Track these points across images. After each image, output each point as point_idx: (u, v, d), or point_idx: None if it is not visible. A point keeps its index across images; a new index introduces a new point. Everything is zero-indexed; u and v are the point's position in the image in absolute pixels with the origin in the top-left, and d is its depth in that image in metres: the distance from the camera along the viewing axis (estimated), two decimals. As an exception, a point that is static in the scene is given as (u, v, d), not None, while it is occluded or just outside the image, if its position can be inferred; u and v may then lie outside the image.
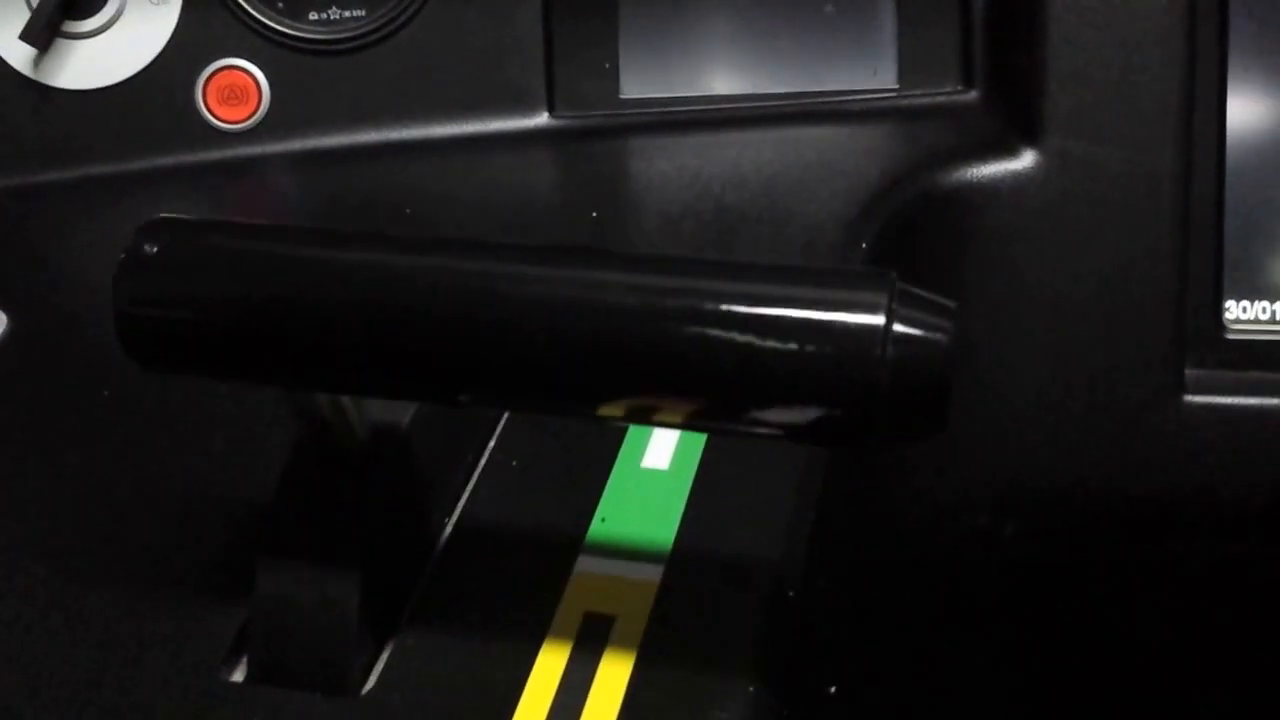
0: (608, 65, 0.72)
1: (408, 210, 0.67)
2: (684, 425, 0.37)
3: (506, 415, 0.52)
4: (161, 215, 0.40)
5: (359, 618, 0.43)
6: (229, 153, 0.72)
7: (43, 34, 0.70)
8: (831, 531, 0.50)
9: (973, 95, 0.70)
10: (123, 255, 0.39)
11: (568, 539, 0.47)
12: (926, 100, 0.71)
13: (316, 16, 0.72)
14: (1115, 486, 0.61)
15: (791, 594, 0.45)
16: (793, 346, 0.35)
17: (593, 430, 0.51)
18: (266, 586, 0.43)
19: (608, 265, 0.37)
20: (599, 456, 0.50)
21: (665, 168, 0.68)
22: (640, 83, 0.72)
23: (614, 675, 0.42)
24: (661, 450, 0.50)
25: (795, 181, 0.66)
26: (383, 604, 0.44)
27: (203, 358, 0.40)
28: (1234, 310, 0.61)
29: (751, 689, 0.41)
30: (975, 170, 0.63)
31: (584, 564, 0.46)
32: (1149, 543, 0.63)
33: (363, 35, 0.72)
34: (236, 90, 0.71)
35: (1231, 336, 0.61)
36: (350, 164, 0.71)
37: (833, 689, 0.47)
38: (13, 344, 0.59)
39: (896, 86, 0.71)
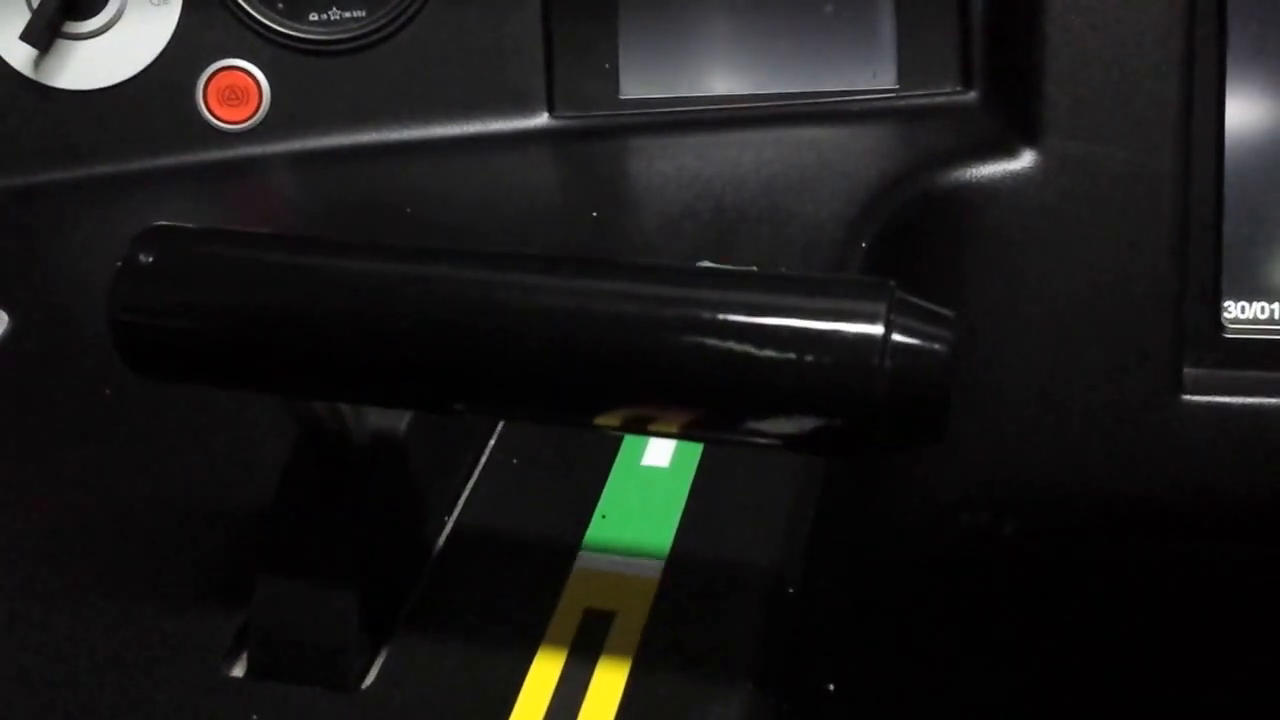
0: (607, 66, 0.72)
1: (408, 210, 0.67)
2: (680, 435, 0.37)
3: (506, 416, 0.52)
4: (157, 224, 0.40)
5: (359, 614, 0.43)
6: (229, 153, 0.72)
7: (43, 34, 0.70)
8: (831, 529, 0.50)
9: (972, 96, 0.70)
10: (118, 264, 0.39)
11: (568, 536, 0.47)
12: (926, 101, 0.71)
13: (317, 17, 0.72)
14: (1114, 486, 0.61)
15: (791, 591, 0.45)
16: (790, 356, 0.35)
17: (593, 428, 0.51)
18: (267, 583, 0.43)
19: (604, 274, 0.37)
20: (599, 454, 0.50)
21: (665, 168, 0.68)
22: (640, 83, 0.72)
23: (613, 671, 0.42)
24: (662, 448, 0.50)
25: (795, 182, 0.66)
26: (382, 601, 0.44)
27: (198, 366, 0.40)
28: (1233, 310, 0.61)
29: (751, 686, 0.41)
30: (975, 171, 0.63)
31: (584, 561, 0.46)
32: (1148, 542, 0.64)
33: (363, 36, 0.72)
34: (237, 91, 0.72)
35: (1230, 336, 0.61)
36: (350, 164, 0.71)
37: (832, 686, 0.47)
38: (14, 344, 0.59)
39: (896, 87, 0.71)
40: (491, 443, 0.51)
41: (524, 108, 0.72)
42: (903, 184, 0.65)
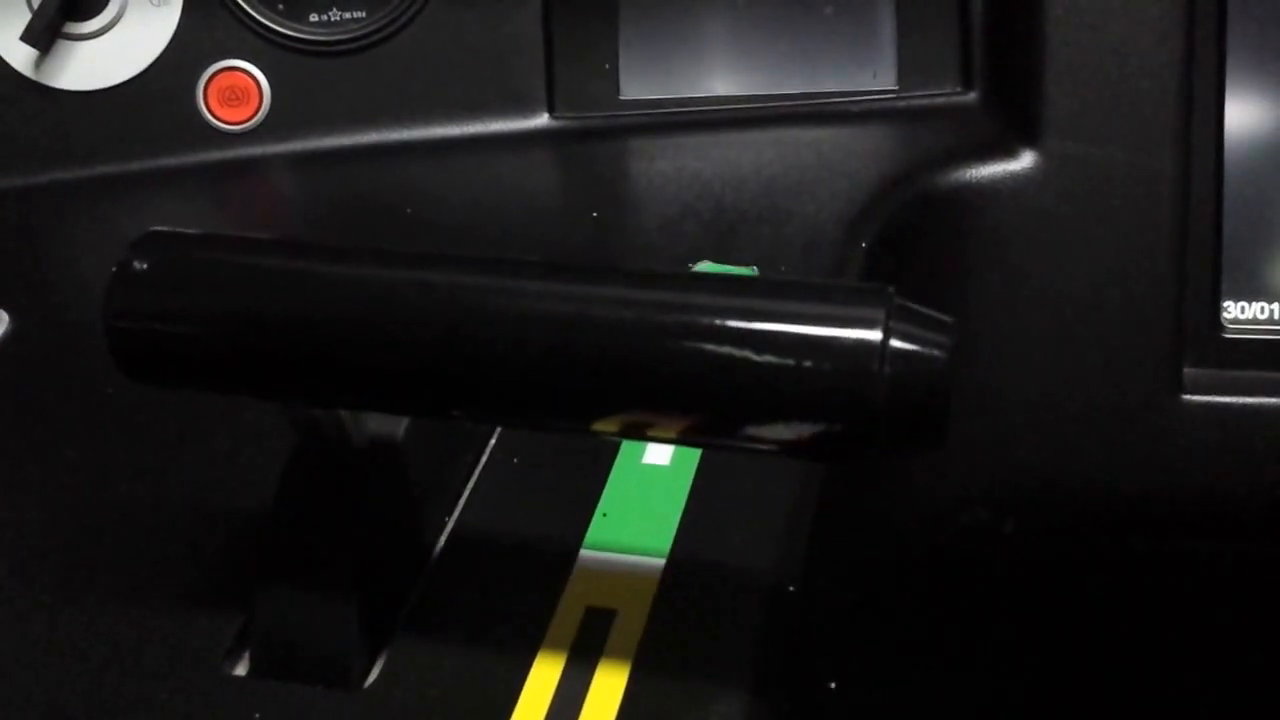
0: (608, 66, 0.72)
1: (408, 211, 0.67)
2: (679, 441, 0.37)
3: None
4: (152, 229, 0.40)
5: (360, 613, 0.43)
6: (230, 153, 0.72)
7: (44, 35, 0.70)
8: (832, 528, 0.50)
9: (972, 97, 0.70)
10: (114, 270, 0.39)
11: (569, 534, 0.47)
12: (926, 102, 0.71)
13: (317, 18, 0.72)
14: (1114, 485, 0.61)
15: (791, 589, 0.45)
16: (789, 363, 0.35)
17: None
18: (269, 583, 0.43)
19: (602, 281, 0.37)
20: (600, 452, 0.50)
21: (665, 168, 0.68)
22: (640, 84, 0.72)
23: (614, 669, 0.42)
24: (663, 447, 0.50)
25: (795, 182, 0.66)
26: (383, 600, 0.44)
27: (195, 373, 0.40)
28: (1232, 310, 0.61)
29: (751, 685, 0.41)
30: (974, 171, 0.63)
31: (585, 559, 0.46)
32: (1148, 542, 0.64)
33: (363, 36, 0.72)
34: (237, 91, 0.72)
35: (1230, 336, 0.61)
36: (351, 165, 0.71)
37: (833, 684, 0.47)
38: (14, 344, 0.59)
39: (896, 88, 0.71)
40: (492, 442, 0.51)
41: (524, 108, 0.72)
42: (903, 185, 0.65)
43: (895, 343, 0.34)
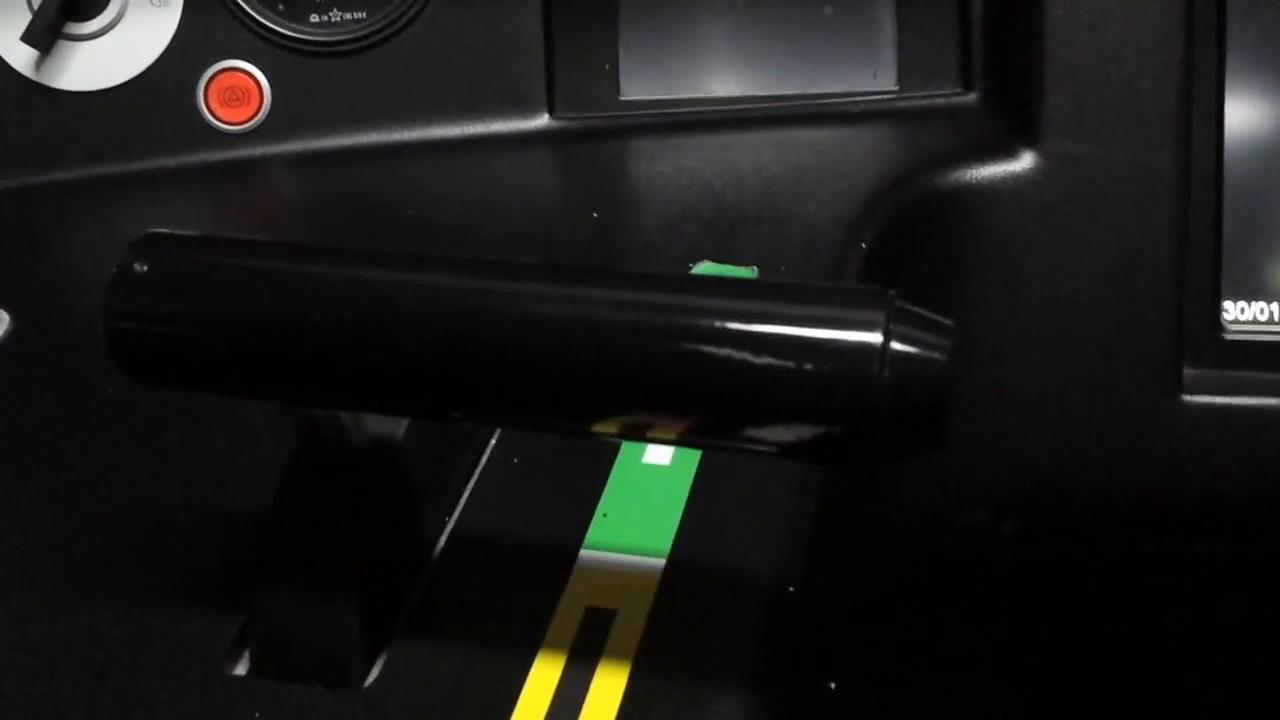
0: (608, 67, 0.72)
1: (409, 211, 0.67)
2: (678, 442, 0.37)
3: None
4: (152, 231, 0.40)
5: (360, 613, 0.43)
6: (230, 154, 0.72)
7: (44, 36, 0.70)
8: (831, 528, 0.50)
9: (972, 97, 0.70)
10: (114, 271, 0.39)
11: (569, 534, 0.47)
12: (926, 102, 0.71)
13: (317, 18, 0.72)
14: (1114, 486, 0.61)
15: (791, 589, 0.45)
16: (790, 365, 0.35)
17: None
18: (269, 583, 0.43)
19: (603, 283, 0.37)
20: (601, 452, 0.50)
21: (665, 169, 0.68)
22: (640, 84, 0.72)
23: (614, 669, 0.42)
24: (663, 447, 0.50)
25: (795, 183, 0.66)
26: (384, 600, 0.44)
27: (195, 374, 0.40)
28: (1232, 311, 0.61)
29: (750, 685, 0.41)
30: (974, 172, 0.63)
31: (585, 559, 0.46)
32: (1147, 542, 0.64)
33: (364, 37, 0.72)
34: (238, 92, 0.72)
35: (1230, 337, 0.61)
36: (351, 165, 0.71)
37: (833, 684, 0.47)
38: (14, 344, 0.59)
39: (896, 88, 0.71)
40: (492, 442, 0.51)
41: (524, 109, 0.72)
42: (902, 185, 0.65)
43: (895, 345, 0.34)
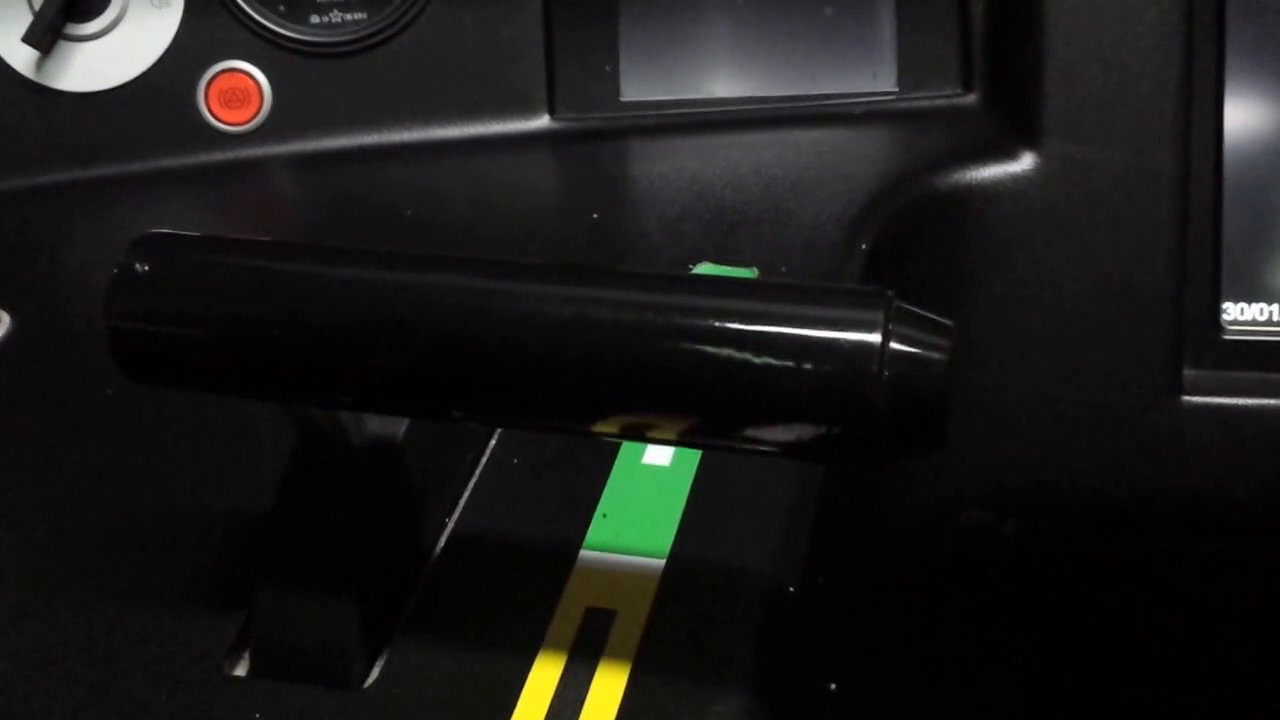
0: (608, 68, 0.72)
1: (409, 212, 0.67)
2: (678, 442, 0.37)
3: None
4: (151, 231, 0.40)
5: (360, 613, 0.43)
6: (230, 155, 0.72)
7: (45, 37, 0.70)
8: (831, 528, 0.50)
9: (972, 98, 0.70)
10: (114, 271, 0.39)
11: (569, 535, 0.47)
12: (926, 103, 0.71)
13: (318, 19, 0.72)
14: (1113, 486, 0.61)
15: (792, 589, 0.45)
16: (789, 365, 0.35)
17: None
18: (269, 583, 0.43)
19: (603, 283, 0.37)
20: (600, 452, 0.50)
21: (665, 170, 0.68)
22: (640, 85, 0.73)
23: (614, 670, 0.42)
24: (663, 447, 0.50)
25: (795, 184, 0.66)
26: (384, 600, 0.44)
27: (196, 374, 0.40)
28: (1232, 311, 0.61)
29: (750, 686, 0.41)
30: (974, 173, 0.63)
31: (585, 559, 0.46)
32: (1148, 542, 0.64)
33: (364, 38, 0.72)
34: (238, 93, 0.72)
35: (1229, 337, 0.61)
36: (351, 166, 0.71)
37: (833, 685, 0.47)
38: (15, 344, 0.59)
39: (896, 89, 0.72)
40: (492, 443, 0.51)
41: (525, 110, 0.72)
42: (902, 186, 0.65)
43: (895, 345, 0.34)
